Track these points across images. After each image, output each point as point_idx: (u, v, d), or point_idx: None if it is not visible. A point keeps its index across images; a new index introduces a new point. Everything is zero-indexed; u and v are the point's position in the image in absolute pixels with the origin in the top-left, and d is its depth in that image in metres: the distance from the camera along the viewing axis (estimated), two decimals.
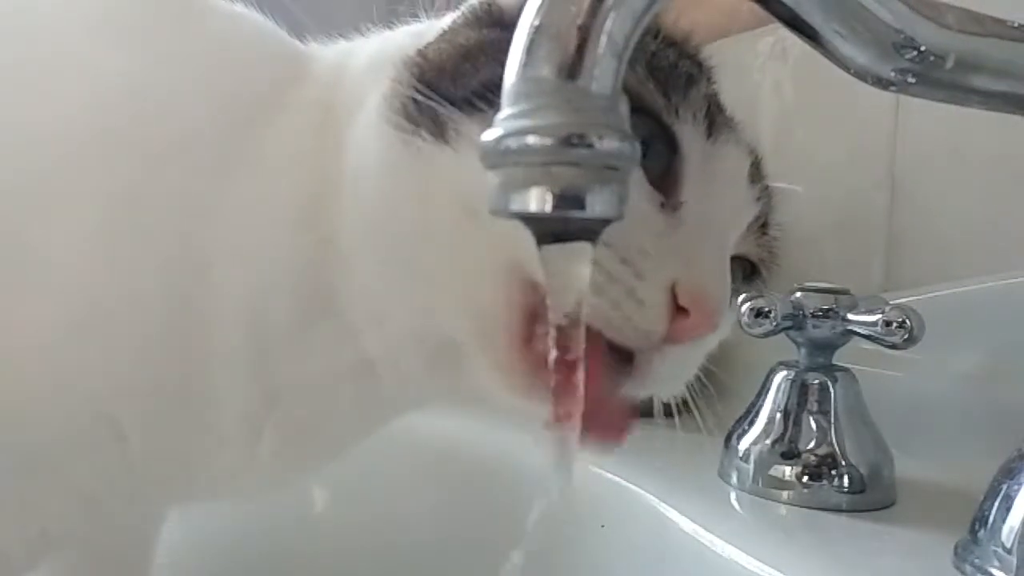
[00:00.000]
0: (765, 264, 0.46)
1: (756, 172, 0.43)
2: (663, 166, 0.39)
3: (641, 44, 0.39)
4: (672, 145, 0.39)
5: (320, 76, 0.47)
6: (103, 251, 0.41)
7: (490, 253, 0.37)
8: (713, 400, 0.43)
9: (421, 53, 0.43)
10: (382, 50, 0.47)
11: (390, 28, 0.50)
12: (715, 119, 0.40)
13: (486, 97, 0.37)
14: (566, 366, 0.28)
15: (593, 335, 0.36)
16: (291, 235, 0.43)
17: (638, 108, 0.38)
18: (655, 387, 0.40)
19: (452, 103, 0.38)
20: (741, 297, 0.50)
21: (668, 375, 0.39)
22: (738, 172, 0.42)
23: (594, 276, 0.35)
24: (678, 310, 0.37)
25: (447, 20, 0.46)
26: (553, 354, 0.28)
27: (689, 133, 0.39)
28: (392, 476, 0.68)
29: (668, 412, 0.44)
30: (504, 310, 0.37)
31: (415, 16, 0.49)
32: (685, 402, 0.43)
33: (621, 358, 0.38)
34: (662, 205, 0.38)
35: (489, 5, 0.44)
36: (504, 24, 0.40)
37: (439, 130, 0.38)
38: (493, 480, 0.65)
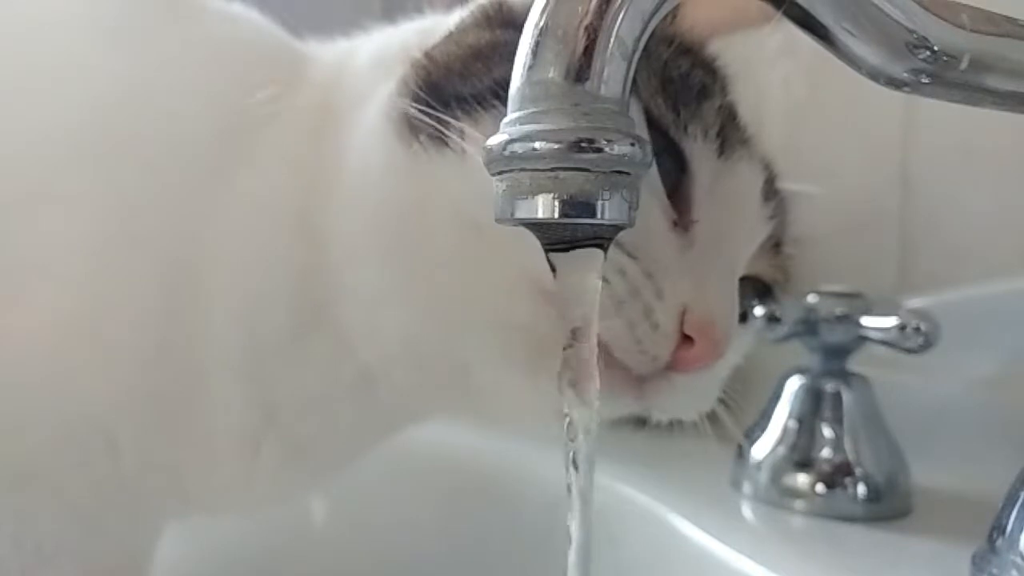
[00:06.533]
0: (779, 284, 0.45)
1: (770, 189, 0.42)
2: (674, 183, 0.38)
3: (654, 52, 0.39)
4: (682, 162, 0.38)
5: (319, 77, 0.46)
6: (99, 259, 0.41)
7: (501, 267, 0.37)
8: (726, 408, 0.42)
9: (427, 55, 0.42)
10: (384, 48, 0.46)
11: (392, 25, 0.49)
12: (728, 135, 0.39)
13: (497, 99, 0.36)
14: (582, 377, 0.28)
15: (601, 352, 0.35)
16: (287, 241, 0.42)
17: (647, 122, 0.37)
18: (669, 412, 0.39)
19: (459, 104, 0.37)
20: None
21: (680, 401, 0.38)
22: (750, 191, 0.41)
23: (615, 290, 0.34)
24: (683, 338, 0.36)
25: (455, 18, 0.45)
26: (566, 369, 0.28)
27: (699, 150, 0.38)
28: (392, 489, 0.68)
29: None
30: (542, 321, 0.36)
31: (419, 12, 0.49)
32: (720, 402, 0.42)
33: (629, 378, 0.37)
34: (674, 224, 0.37)
35: (500, 5, 0.43)
36: (515, 25, 0.39)
37: (442, 137, 0.37)
38: (494, 492, 0.65)
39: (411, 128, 0.39)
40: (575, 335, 0.27)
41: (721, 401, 0.42)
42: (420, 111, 0.38)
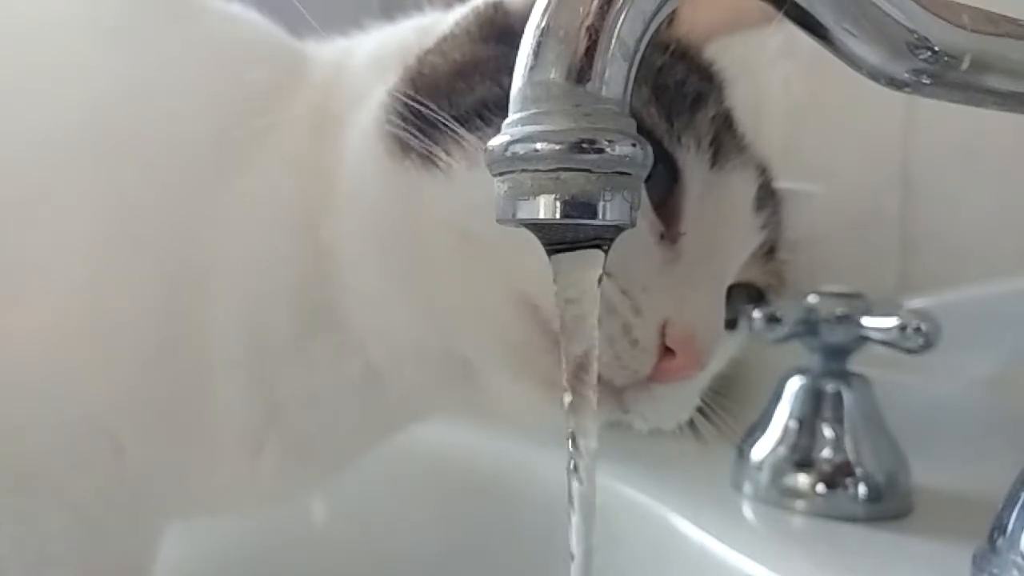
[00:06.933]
0: (773, 289, 0.45)
1: (764, 196, 0.42)
2: (664, 194, 0.38)
3: (648, 60, 0.39)
4: (673, 172, 0.38)
5: (318, 77, 0.46)
6: (100, 259, 0.41)
7: (490, 277, 0.37)
8: (725, 409, 0.42)
9: (419, 61, 0.42)
10: (382, 47, 0.46)
11: (391, 23, 0.49)
12: (722, 144, 0.39)
13: (480, 118, 0.36)
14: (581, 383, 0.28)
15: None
16: (289, 241, 0.43)
17: (639, 131, 0.37)
18: (648, 420, 0.39)
19: (445, 124, 0.37)
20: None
21: (660, 411, 0.39)
22: (742, 201, 0.41)
23: None
24: (665, 350, 0.36)
25: (454, 17, 0.45)
26: (567, 378, 0.28)
27: (691, 161, 0.38)
28: (393, 489, 0.68)
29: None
30: (534, 331, 0.37)
31: (418, 10, 0.48)
32: (698, 410, 0.42)
33: (611, 391, 0.37)
34: (661, 236, 0.37)
35: (495, 8, 0.43)
36: (510, 32, 0.39)
37: (430, 153, 0.37)
38: (494, 493, 0.65)
39: (400, 145, 0.39)
40: (579, 352, 0.27)
41: (699, 410, 0.42)
42: (407, 129, 0.38)
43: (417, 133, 0.38)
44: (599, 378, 0.36)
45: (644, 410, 0.38)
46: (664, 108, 0.38)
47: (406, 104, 0.39)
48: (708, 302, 0.38)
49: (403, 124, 0.38)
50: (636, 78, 0.37)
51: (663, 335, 0.36)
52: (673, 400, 0.39)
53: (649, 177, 0.36)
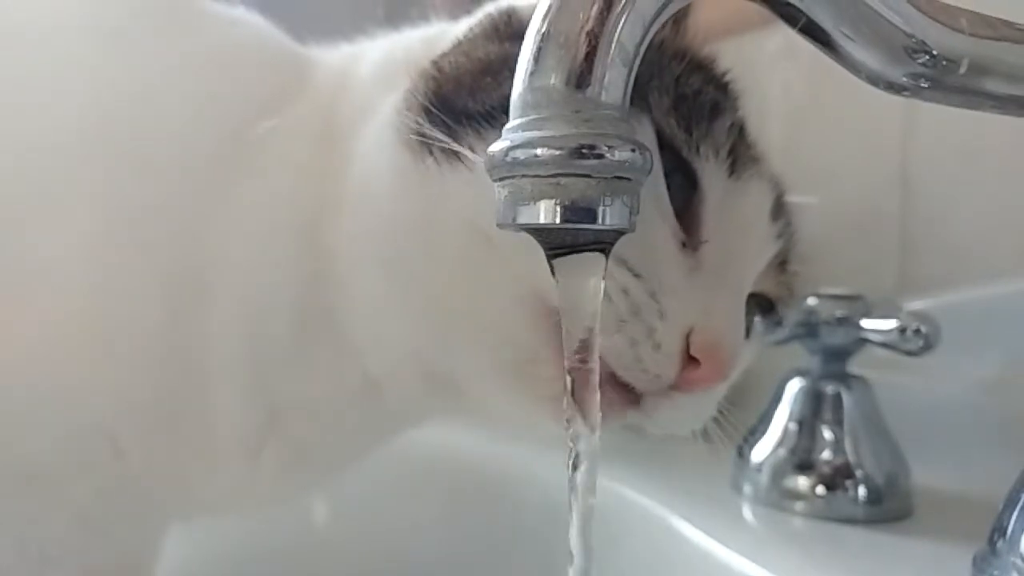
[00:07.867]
0: (783, 302, 0.45)
1: (778, 208, 0.42)
2: (684, 203, 0.37)
3: (666, 69, 0.39)
4: (693, 181, 0.38)
5: (323, 83, 0.46)
6: (100, 262, 0.41)
7: (509, 281, 0.37)
8: (725, 411, 0.42)
9: (437, 65, 0.41)
10: (390, 55, 0.46)
11: (395, 31, 0.49)
12: (739, 154, 0.39)
13: (506, 117, 0.36)
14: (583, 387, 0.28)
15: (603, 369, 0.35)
16: (291, 247, 0.42)
17: (659, 141, 0.37)
18: (665, 427, 0.39)
19: (469, 120, 0.37)
20: None
21: (678, 418, 0.38)
22: (760, 210, 0.40)
23: (617, 309, 0.34)
24: (689, 359, 0.36)
25: (462, 27, 0.45)
26: (569, 381, 0.28)
27: (711, 170, 0.38)
28: (394, 490, 0.68)
29: None
30: (542, 341, 0.36)
31: (422, 17, 0.48)
32: None
33: (630, 396, 0.37)
34: (683, 244, 0.37)
35: (509, 15, 0.43)
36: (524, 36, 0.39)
37: (453, 151, 0.37)
38: (495, 494, 0.65)
39: (422, 142, 0.39)
40: (579, 347, 0.27)
41: (712, 418, 0.42)
42: (431, 127, 0.38)
43: (441, 130, 0.37)
44: (619, 380, 0.36)
45: (662, 417, 0.38)
46: (683, 118, 0.37)
47: (429, 102, 0.39)
48: (731, 310, 0.38)
49: (427, 122, 0.38)
50: (654, 89, 0.37)
51: (687, 343, 0.36)
52: (692, 409, 0.39)
53: (668, 186, 0.37)
